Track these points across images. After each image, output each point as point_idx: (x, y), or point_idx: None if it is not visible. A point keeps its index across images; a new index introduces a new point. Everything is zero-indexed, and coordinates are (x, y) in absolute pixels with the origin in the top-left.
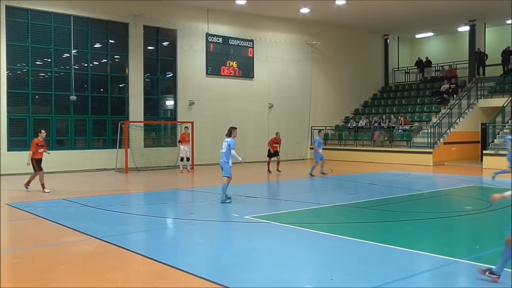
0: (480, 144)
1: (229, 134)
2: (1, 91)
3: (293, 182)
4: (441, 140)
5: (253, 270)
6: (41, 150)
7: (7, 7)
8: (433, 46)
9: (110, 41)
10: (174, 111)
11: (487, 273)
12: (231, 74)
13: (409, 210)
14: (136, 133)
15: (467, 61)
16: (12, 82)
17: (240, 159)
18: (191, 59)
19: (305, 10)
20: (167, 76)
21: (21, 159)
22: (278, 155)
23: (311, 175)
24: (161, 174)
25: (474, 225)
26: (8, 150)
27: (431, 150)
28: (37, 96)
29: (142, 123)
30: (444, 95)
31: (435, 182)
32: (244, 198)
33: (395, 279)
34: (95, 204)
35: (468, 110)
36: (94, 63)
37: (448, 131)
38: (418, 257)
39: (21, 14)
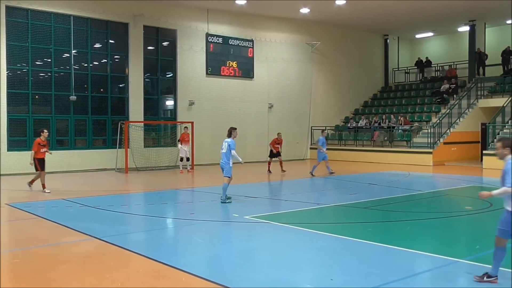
0: (480, 144)
1: (229, 135)
2: (1, 91)
3: (293, 182)
4: (441, 140)
5: (253, 270)
6: (43, 150)
7: (7, 7)
8: (433, 46)
9: (110, 41)
10: (174, 111)
11: (484, 278)
12: (231, 74)
13: (409, 210)
14: (136, 133)
15: (467, 61)
16: (12, 82)
17: (240, 160)
18: (191, 59)
19: (305, 10)
20: (167, 76)
21: (21, 159)
22: (280, 155)
23: (312, 174)
24: (161, 174)
25: (474, 225)
26: (8, 150)
27: (431, 150)
28: (37, 96)
29: (142, 123)
30: (444, 95)
31: (435, 182)
32: (244, 198)
33: (395, 279)
34: (95, 204)
35: (468, 110)
36: (94, 63)
37: (448, 131)
38: (418, 257)
39: (21, 14)
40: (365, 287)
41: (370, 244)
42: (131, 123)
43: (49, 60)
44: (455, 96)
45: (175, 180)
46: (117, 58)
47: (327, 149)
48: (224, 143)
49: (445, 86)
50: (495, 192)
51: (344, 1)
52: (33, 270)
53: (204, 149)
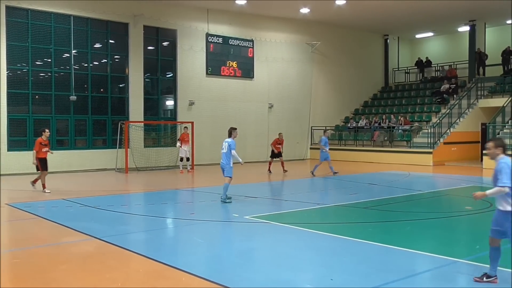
0: (480, 144)
1: (229, 135)
2: (1, 91)
3: (293, 182)
4: (441, 140)
5: (253, 270)
6: (45, 149)
7: (7, 7)
8: (433, 46)
9: (110, 41)
10: (174, 111)
11: (484, 278)
12: (231, 74)
13: (409, 210)
14: (136, 133)
15: (467, 61)
16: (12, 82)
17: (240, 160)
18: (191, 59)
19: (305, 10)
20: (167, 76)
21: (21, 159)
22: (281, 156)
23: (313, 174)
24: (161, 174)
25: (474, 225)
26: (8, 150)
27: (431, 150)
28: (37, 96)
29: (142, 123)
30: (444, 95)
31: (435, 182)
32: (244, 198)
33: (395, 279)
34: (95, 204)
35: (468, 110)
36: (94, 63)
37: (448, 131)
38: (418, 257)
39: (21, 14)
40: (365, 287)
41: (370, 244)
42: (131, 123)
43: (49, 60)
44: (455, 96)
45: (175, 180)
46: (117, 58)
47: (329, 149)
48: (224, 143)
49: (445, 86)
50: (489, 192)
51: (344, 1)
52: (33, 270)
53: (204, 149)
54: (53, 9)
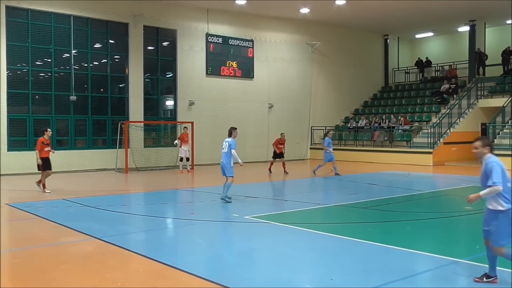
0: None
1: (229, 134)
2: (1, 91)
3: (293, 182)
4: (441, 140)
5: (253, 270)
6: (47, 148)
7: (7, 7)
8: (433, 46)
9: (110, 41)
10: (174, 111)
11: (484, 278)
12: (231, 74)
13: (409, 210)
14: (136, 133)
15: (467, 61)
16: (12, 82)
17: (240, 161)
18: (191, 59)
19: (305, 10)
20: (167, 76)
21: (21, 159)
22: (283, 156)
23: (314, 173)
24: (161, 174)
25: (474, 225)
26: (8, 150)
27: (431, 150)
28: (37, 96)
29: (142, 123)
30: (444, 95)
31: (435, 182)
32: (244, 198)
33: (395, 279)
34: (95, 204)
35: (468, 110)
36: (94, 63)
37: (448, 131)
38: (418, 257)
39: (21, 14)
40: (365, 287)
41: (370, 244)
42: (131, 123)
43: (49, 60)
44: (455, 96)
45: (175, 180)
46: (117, 58)
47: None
48: (224, 142)
49: (445, 86)
50: (482, 192)
51: (344, 1)
52: (33, 270)
53: (204, 149)
54: (53, 9)
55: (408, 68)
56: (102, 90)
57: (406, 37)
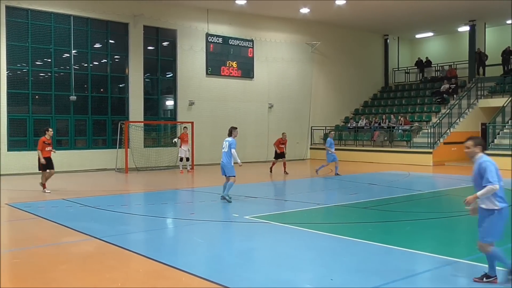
0: None
1: (229, 134)
2: (1, 91)
3: (293, 182)
4: (441, 140)
5: (253, 270)
6: (48, 148)
7: (7, 7)
8: (433, 46)
9: (110, 41)
10: (174, 111)
11: (484, 279)
12: (231, 74)
13: (409, 210)
14: (136, 133)
15: (467, 61)
16: (12, 82)
17: (239, 161)
18: (191, 59)
19: (305, 10)
20: (167, 76)
21: (21, 159)
22: (284, 156)
23: (317, 172)
24: (161, 174)
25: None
26: (8, 150)
27: (431, 150)
28: (37, 96)
29: (142, 123)
30: (444, 95)
31: (435, 182)
32: (244, 198)
33: (395, 279)
34: (95, 204)
35: (468, 110)
36: (94, 63)
37: (448, 131)
38: (418, 257)
39: (21, 14)
40: (365, 287)
41: (370, 244)
42: (131, 123)
43: (49, 60)
44: (455, 96)
45: (175, 180)
46: (117, 58)
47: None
48: (225, 142)
49: (445, 86)
50: (480, 193)
51: (344, 1)
52: (33, 270)
53: (204, 149)
54: (53, 9)
55: (408, 68)
56: (102, 90)
57: (406, 37)
